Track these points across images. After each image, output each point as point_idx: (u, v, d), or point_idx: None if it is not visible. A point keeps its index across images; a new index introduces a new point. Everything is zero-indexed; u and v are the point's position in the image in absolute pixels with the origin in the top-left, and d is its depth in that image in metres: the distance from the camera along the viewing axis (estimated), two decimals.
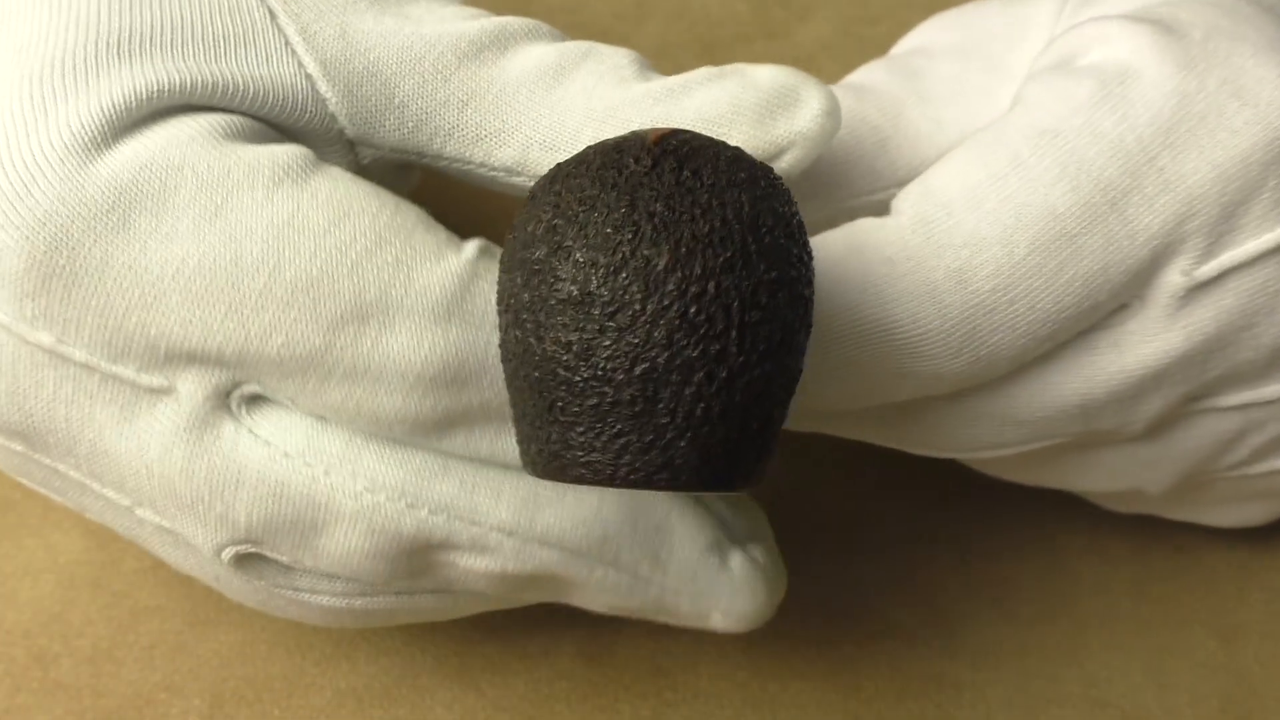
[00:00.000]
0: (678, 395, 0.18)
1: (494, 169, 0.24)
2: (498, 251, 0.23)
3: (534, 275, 0.19)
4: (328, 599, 0.24)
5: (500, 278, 0.20)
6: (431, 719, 0.28)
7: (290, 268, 0.21)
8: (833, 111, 0.24)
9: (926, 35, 0.29)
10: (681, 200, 0.18)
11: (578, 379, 0.18)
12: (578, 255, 0.18)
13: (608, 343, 0.18)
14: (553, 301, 0.19)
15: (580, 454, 0.19)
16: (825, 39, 0.41)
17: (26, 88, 0.21)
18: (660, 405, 0.18)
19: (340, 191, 0.22)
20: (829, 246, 0.24)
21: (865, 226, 0.24)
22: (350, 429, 0.22)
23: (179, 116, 0.22)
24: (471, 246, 0.23)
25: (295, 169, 0.22)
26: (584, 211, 0.19)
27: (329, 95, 0.23)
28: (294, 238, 0.21)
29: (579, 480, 0.19)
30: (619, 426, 0.18)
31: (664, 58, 0.41)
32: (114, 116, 0.21)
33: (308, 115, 0.23)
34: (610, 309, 0.18)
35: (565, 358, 0.18)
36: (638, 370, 0.18)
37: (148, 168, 0.21)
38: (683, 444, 0.19)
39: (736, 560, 0.25)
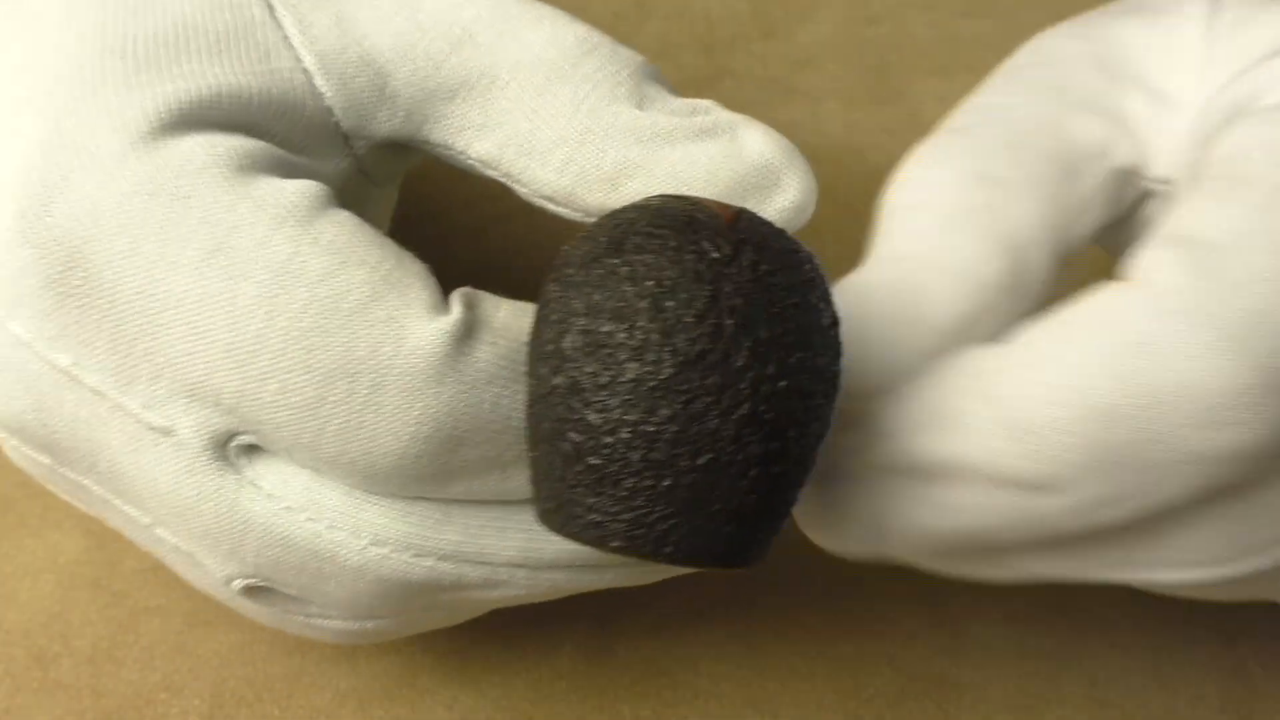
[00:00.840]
0: (733, 487, 0.18)
1: (470, 159, 0.24)
2: (493, 306, 0.22)
3: (598, 349, 0.19)
4: (340, 624, 0.24)
5: (543, 330, 0.20)
6: (431, 719, 0.28)
7: (284, 315, 0.21)
8: (805, 206, 0.23)
9: (1052, 45, 0.27)
10: (759, 298, 0.18)
11: (635, 458, 0.18)
12: (654, 338, 0.18)
13: (675, 429, 0.18)
14: (621, 380, 0.18)
15: (623, 528, 0.19)
16: (825, 39, 0.41)
17: (42, 104, 0.21)
18: (715, 495, 0.18)
19: (343, 238, 0.21)
20: (1052, 330, 0.22)
21: (1096, 304, 0.22)
22: (349, 482, 0.22)
23: (193, 137, 0.22)
24: (460, 304, 0.22)
25: (301, 209, 0.21)
26: (661, 295, 0.18)
27: (325, 89, 0.23)
28: (289, 283, 0.21)
29: (614, 551, 0.19)
30: (670, 510, 0.18)
31: (664, 58, 0.41)
32: (129, 138, 0.21)
33: (306, 112, 0.23)
34: (683, 399, 0.18)
35: (625, 435, 0.18)
36: (701, 460, 0.18)
37: (157, 196, 0.21)
38: (727, 530, 0.19)
39: None
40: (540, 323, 0.20)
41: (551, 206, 0.25)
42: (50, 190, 0.21)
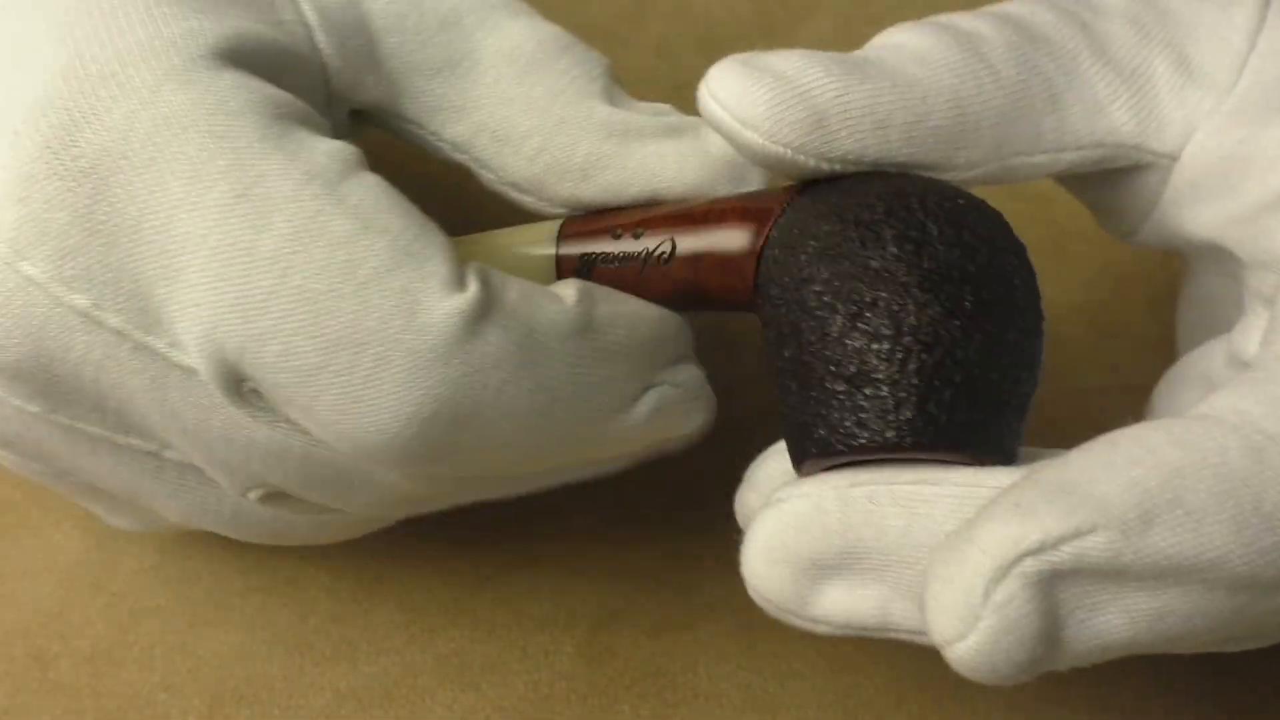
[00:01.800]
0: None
1: (442, 140, 0.25)
2: (502, 283, 0.22)
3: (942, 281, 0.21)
4: (354, 518, 0.25)
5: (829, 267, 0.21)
6: (431, 719, 0.28)
7: (298, 274, 0.20)
8: None
9: None
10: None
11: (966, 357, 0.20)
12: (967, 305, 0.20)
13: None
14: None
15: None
16: (826, 38, 0.41)
17: (60, 34, 0.21)
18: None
19: (369, 203, 0.21)
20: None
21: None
22: (338, 449, 0.22)
23: (231, 73, 0.21)
24: (476, 280, 0.21)
25: (332, 169, 0.21)
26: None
27: (324, 45, 0.23)
28: (308, 242, 0.20)
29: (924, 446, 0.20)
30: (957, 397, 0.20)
31: (664, 57, 0.41)
32: (164, 67, 0.20)
33: (306, 68, 0.23)
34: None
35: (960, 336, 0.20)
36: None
37: (190, 130, 0.20)
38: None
39: (650, 399, 0.24)
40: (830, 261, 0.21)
41: (515, 194, 0.25)
42: (77, 120, 0.20)
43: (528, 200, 0.25)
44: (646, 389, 0.24)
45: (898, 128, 0.22)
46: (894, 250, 0.21)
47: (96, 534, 0.31)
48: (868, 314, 0.20)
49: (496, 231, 0.26)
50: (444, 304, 0.21)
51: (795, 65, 0.22)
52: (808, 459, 0.22)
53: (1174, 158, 0.24)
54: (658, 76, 0.41)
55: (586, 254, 0.24)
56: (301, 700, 0.29)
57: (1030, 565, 0.18)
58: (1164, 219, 0.25)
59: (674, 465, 0.33)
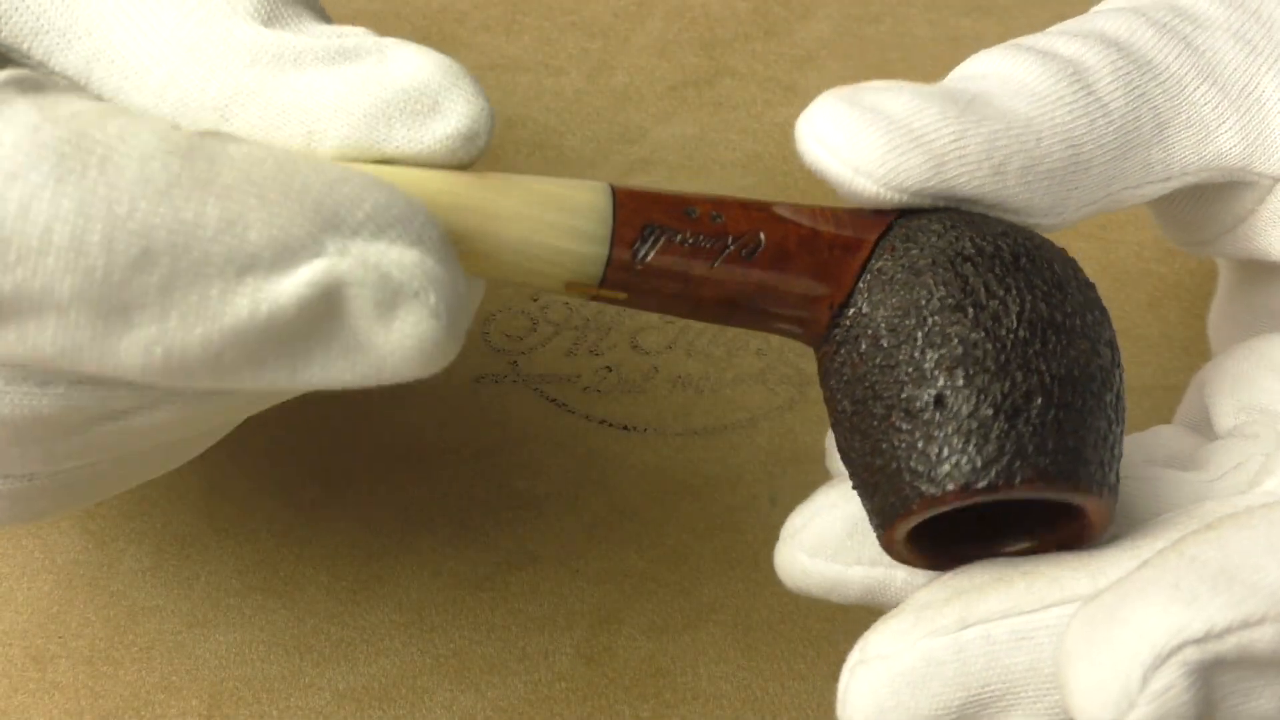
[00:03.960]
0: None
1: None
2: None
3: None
4: None
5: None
6: (430, 719, 0.28)
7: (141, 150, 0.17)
8: (475, 133, 0.20)
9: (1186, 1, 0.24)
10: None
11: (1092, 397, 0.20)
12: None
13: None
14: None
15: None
16: (826, 37, 0.41)
17: None
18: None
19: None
20: None
21: None
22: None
23: None
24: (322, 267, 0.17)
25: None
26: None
27: None
28: (183, 124, 0.18)
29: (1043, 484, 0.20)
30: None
31: (664, 56, 0.41)
32: None
33: None
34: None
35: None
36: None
37: None
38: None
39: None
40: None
41: None
42: None
43: None
44: (304, 255, 0.17)
45: (1014, 172, 0.21)
46: (998, 293, 0.20)
47: (95, 534, 0.31)
48: (951, 347, 0.20)
49: (529, 178, 0.21)
50: (285, 279, 0.17)
51: (907, 106, 0.21)
52: (897, 518, 0.20)
53: (1278, 178, 0.23)
54: (658, 76, 0.41)
55: (653, 225, 0.20)
56: (300, 700, 0.28)
57: (1193, 654, 0.17)
58: (1252, 235, 0.24)
59: (674, 465, 0.33)
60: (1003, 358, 0.20)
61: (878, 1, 0.43)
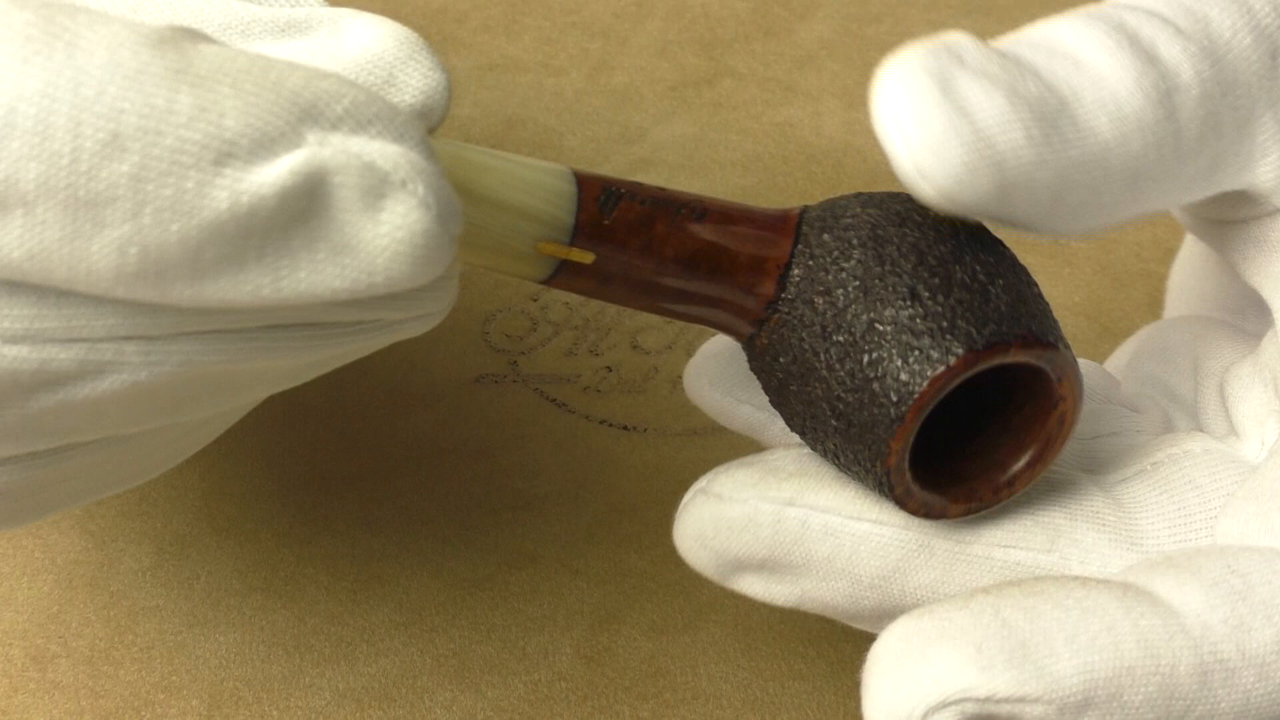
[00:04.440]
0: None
1: None
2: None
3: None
4: None
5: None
6: (430, 719, 0.28)
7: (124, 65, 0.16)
8: (432, 107, 0.19)
9: (1205, 10, 0.22)
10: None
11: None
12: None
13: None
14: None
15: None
16: (825, 37, 0.41)
17: None
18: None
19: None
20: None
21: None
22: None
23: None
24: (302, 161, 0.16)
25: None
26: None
27: None
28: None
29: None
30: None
31: (664, 56, 0.41)
32: None
33: None
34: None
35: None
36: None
37: None
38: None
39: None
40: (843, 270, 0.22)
41: None
42: None
43: None
44: (283, 144, 0.16)
45: (1070, 205, 0.20)
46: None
47: (95, 534, 0.31)
48: (899, 270, 0.21)
49: (488, 150, 0.21)
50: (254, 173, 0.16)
51: (996, 116, 0.19)
52: (910, 407, 0.21)
53: None
54: (658, 77, 0.41)
55: (613, 186, 0.21)
56: (300, 700, 0.28)
57: (970, 708, 0.19)
58: (1236, 239, 0.24)
59: (674, 465, 0.33)
60: (951, 251, 0.21)
61: (878, 1, 0.43)
